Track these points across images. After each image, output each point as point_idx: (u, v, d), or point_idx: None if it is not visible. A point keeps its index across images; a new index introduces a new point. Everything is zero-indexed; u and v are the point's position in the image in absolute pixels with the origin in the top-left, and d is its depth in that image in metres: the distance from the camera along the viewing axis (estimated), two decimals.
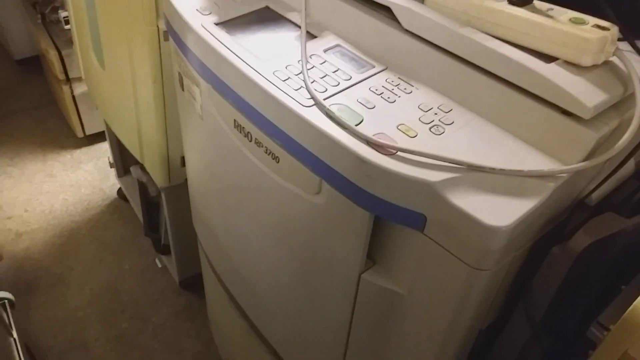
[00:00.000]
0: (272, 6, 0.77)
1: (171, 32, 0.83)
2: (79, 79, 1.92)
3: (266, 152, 0.67)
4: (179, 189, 1.23)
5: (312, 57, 0.65)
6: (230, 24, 0.73)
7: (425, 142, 0.52)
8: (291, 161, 0.63)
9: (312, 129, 0.57)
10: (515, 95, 0.53)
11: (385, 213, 0.54)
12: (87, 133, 2.10)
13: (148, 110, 1.12)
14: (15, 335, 0.58)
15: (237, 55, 0.66)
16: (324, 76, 0.62)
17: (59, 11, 1.93)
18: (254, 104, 0.65)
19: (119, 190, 1.89)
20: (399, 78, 0.61)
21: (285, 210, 0.69)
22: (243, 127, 0.70)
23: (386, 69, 0.63)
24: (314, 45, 0.67)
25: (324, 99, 0.59)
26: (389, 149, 0.52)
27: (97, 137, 2.11)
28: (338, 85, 0.61)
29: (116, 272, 1.65)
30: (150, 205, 1.60)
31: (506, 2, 0.58)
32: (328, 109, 0.57)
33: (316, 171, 0.60)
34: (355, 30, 0.68)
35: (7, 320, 0.58)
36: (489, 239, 0.46)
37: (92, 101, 1.63)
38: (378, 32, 0.65)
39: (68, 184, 1.96)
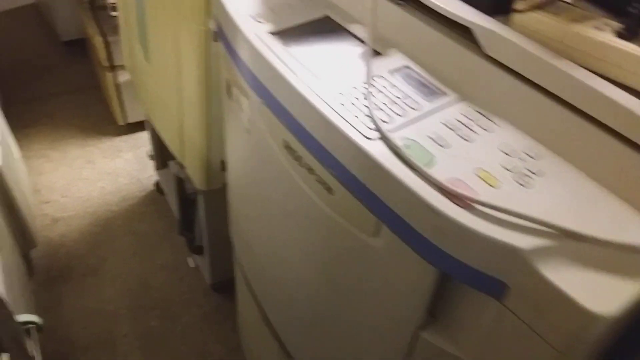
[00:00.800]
0: (332, 16, 0.70)
1: (222, 36, 0.77)
2: (124, 67, 1.90)
3: (318, 181, 0.60)
4: (218, 193, 1.18)
5: (377, 79, 0.58)
6: (287, 35, 0.67)
7: (510, 195, 0.45)
8: (346, 196, 0.56)
9: (374, 165, 0.50)
10: (620, 147, 0.45)
11: (456, 273, 0.47)
12: (129, 121, 2.08)
13: (192, 111, 1.07)
14: None
15: (293, 72, 0.60)
16: (390, 103, 0.55)
17: None
18: (309, 128, 0.58)
19: (157, 183, 1.87)
20: (476, 111, 0.54)
21: (335, 246, 0.63)
22: (294, 150, 0.63)
23: (461, 99, 0.55)
24: (379, 65, 0.60)
25: (390, 131, 0.52)
26: (467, 201, 0.45)
27: (138, 126, 2.09)
28: (406, 115, 0.54)
29: (148, 267, 1.63)
30: (186, 202, 1.56)
31: (612, 34, 0.50)
32: (395, 144, 0.50)
33: (375, 212, 0.53)
34: (427, 50, 0.60)
35: (31, 352, 0.53)
36: (587, 326, 0.38)
37: (135, 92, 1.60)
38: (453, 54, 0.57)
39: (106, 172, 1.95)
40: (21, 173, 1.65)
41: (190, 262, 1.60)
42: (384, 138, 0.51)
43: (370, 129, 0.53)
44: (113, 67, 1.95)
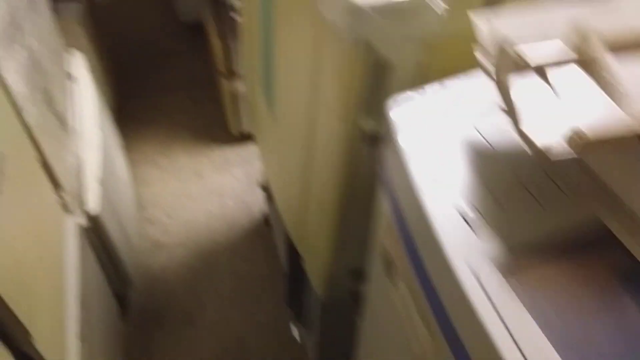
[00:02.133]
0: (611, 223, 0.37)
1: (394, 209, 0.48)
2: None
3: None
4: (340, 303, 0.92)
5: None
6: (531, 277, 0.36)
7: None
8: None
9: None
10: None
11: None
12: (242, 131, 1.87)
13: (320, 211, 0.80)
14: None
15: None
16: None
17: None
18: None
19: (265, 215, 1.65)
20: None
21: None
22: None
23: None
24: None
25: None
26: None
27: (252, 137, 1.88)
28: None
29: (247, 321, 1.44)
30: (296, 264, 1.32)
31: None
32: None
33: None
34: None
35: None
36: None
37: (251, 127, 1.37)
38: None
39: (214, 191, 1.77)
40: (125, 202, 1.51)
41: (295, 332, 1.38)
42: None
43: None
44: (231, 74, 1.73)
